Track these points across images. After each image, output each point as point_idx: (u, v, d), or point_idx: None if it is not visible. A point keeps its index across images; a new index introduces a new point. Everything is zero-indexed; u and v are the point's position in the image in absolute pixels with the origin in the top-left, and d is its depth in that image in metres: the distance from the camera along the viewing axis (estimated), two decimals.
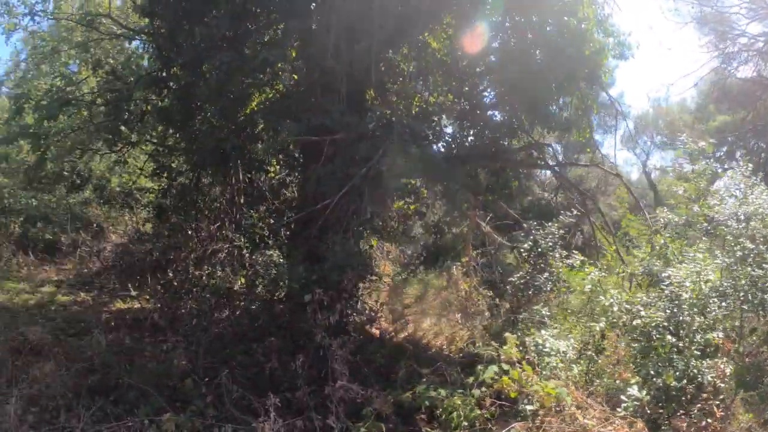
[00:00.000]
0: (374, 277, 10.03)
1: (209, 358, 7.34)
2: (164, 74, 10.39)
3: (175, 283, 10.53)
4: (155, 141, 13.43)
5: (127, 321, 10.18)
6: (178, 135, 11.95)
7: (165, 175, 12.79)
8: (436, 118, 10.01)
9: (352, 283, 7.80)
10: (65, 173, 17.35)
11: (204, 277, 10.13)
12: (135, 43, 14.11)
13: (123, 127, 12.39)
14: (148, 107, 11.91)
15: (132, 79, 11.85)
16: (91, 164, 17.99)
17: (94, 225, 17.02)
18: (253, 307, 9.42)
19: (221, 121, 9.43)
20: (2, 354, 7.47)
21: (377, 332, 10.30)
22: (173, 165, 12.88)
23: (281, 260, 10.06)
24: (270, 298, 9.35)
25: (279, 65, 8.87)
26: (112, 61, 13.01)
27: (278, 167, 11.26)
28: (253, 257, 10.45)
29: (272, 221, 10.70)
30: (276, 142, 8.89)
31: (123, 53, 13.91)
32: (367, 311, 8.68)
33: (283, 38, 8.76)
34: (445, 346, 10.35)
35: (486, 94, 10.82)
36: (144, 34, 12.19)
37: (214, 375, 6.63)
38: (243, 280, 10.03)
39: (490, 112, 10.73)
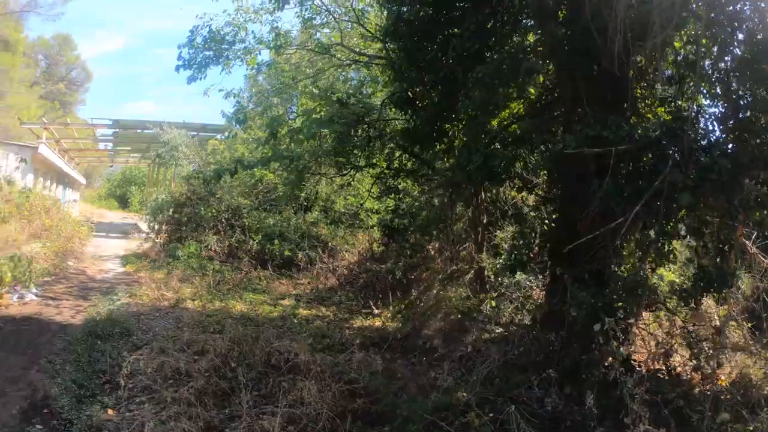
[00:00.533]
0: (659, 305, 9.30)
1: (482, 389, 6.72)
2: (407, 95, 10.12)
3: (421, 303, 10.38)
4: (382, 164, 13.71)
5: (373, 339, 10.09)
6: (421, 156, 11.89)
7: (392, 196, 13.86)
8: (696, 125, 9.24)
9: (638, 312, 7.04)
10: (297, 195, 18.67)
11: (452, 299, 9.89)
12: (352, 74, 16.19)
13: (356, 151, 12.93)
14: (377, 131, 12.11)
15: (361, 106, 12.17)
16: (318, 187, 19.69)
17: (328, 244, 18.43)
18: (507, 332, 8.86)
19: (478, 138, 8.92)
20: (261, 368, 7.66)
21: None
22: (400, 186, 13.75)
23: (529, 282, 9.62)
24: (532, 324, 8.72)
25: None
26: (339, 92, 13.43)
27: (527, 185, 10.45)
28: (498, 279, 10.14)
29: (524, 241, 10.14)
30: (549, 156, 8.33)
31: (347, 81, 15.35)
32: (657, 344, 7.73)
33: (537, 44, 8.33)
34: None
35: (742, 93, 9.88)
36: (378, 59, 12.90)
37: (493, 408, 6.05)
38: (493, 303, 9.60)
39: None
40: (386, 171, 13.58)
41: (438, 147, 10.24)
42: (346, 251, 17.85)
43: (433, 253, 13.11)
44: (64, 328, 9.71)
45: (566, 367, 6.63)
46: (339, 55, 14.88)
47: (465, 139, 9.38)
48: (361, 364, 7.90)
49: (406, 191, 14.32)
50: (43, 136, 29.79)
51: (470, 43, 7.91)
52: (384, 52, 11.78)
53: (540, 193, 10.17)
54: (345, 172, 14.57)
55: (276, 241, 18.46)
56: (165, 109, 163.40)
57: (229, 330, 9.41)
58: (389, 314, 11.76)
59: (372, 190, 16.16)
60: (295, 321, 11.51)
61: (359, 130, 12.19)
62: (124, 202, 68.60)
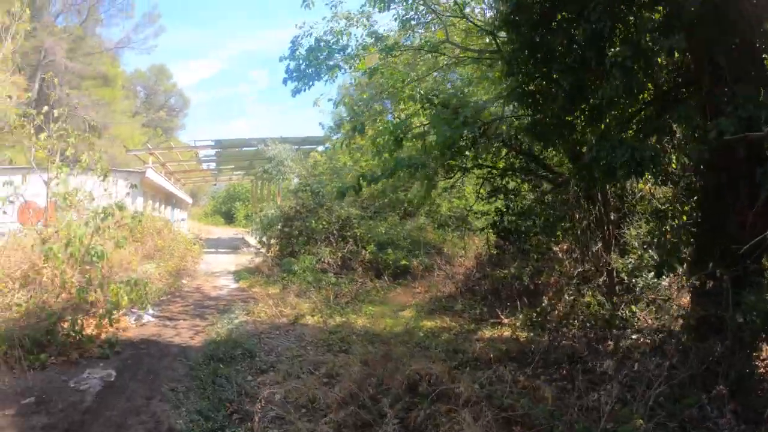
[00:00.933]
0: None
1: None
2: (526, 89, 9.07)
3: (554, 311, 9.33)
4: (490, 163, 13.20)
5: (509, 353, 8.82)
6: (536, 153, 11.64)
7: (500, 196, 13.12)
8: None
9: None
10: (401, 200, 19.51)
11: (591, 305, 8.68)
12: (452, 75, 15.30)
13: (466, 152, 12.15)
14: (484, 130, 11.35)
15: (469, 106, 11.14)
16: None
17: (442, 250, 17.75)
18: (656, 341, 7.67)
19: (614, 129, 8.11)
20: (402, 394, 6.62)
21: None
22: (509, 186, 13.09)
23: (664, 283, 8.83)
24: (684, 332, 7.53)
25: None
26: (443, 93, 12.70)
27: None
28: (632, 281, 9.18)
29: (671, 239, 8.92)
30: (699, 143, 7.39)
31: (445, 82, 14.56)
32: None
33: (671, 23, 7.16)
34: None
35: None
36: (489, 53, 12.10)
37: None
38: (633, 308, 8.50)
39: None
40: (494, 171, 12.95)
41: (562, 142, 9.26)
42: (460, 256, 16.84)
43: (560, 255, 11.85)
44: (184, 350, 9.12)
45: (732, 380, 5.75)
46: (445, 54, 13.80)
47: (597, 131, 8.32)
48: (507, 384, 6.73)
49: (515, 191, 13.34)
50: (150, 161, 30.37)
51: (600, 24, 6.89)
52: (494, 45, 11.28)
53: (676, 185, 9.25)
54: (452, 174, 13.79)
55: (389, 250, 17.66)
56: (261, 125, 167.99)
57: (357, 350, 8.66)
58: (518, 323, 10.59)
59: (480, 192, 15.18)
60: (421, 334, 10.47)
61: (466, 131, 11.27)
62: (229, 218, 70.93)
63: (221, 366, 8.16)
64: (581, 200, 10.56)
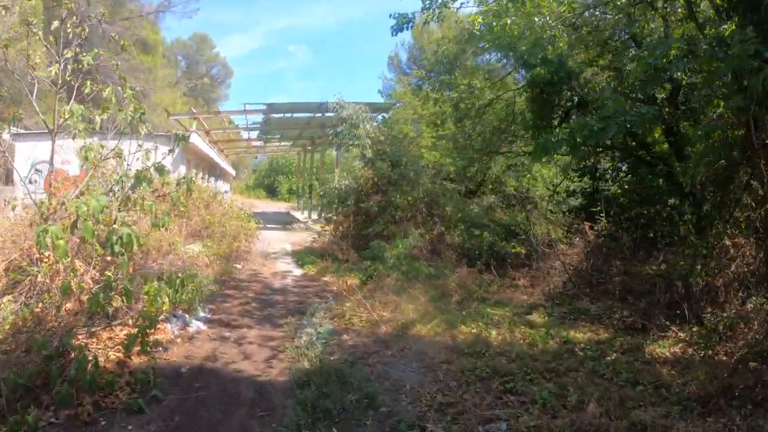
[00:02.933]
0: None
1: None
2: None
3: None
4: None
5: (716, 384, 5.82)
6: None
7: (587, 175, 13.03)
8: None
9: None
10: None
11: None
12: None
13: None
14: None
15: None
16: (491, 166, 17.81)
17: (547, 236, 13.67)
18: None
19: None
20: None
21: None
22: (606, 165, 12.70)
23: None
24: None
25: None
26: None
27: None
28: None
29: None
30: None
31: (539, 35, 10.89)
32: None
33: None
34: None
35: None
36: None
37: None
38: None
39: None
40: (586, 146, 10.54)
41: None
42: (565, 243, 13.20)
43: (731, 249, 8.54)
44: (262, 392, 5.70)
45: None
46: None
47: None
48: None
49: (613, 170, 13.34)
50: (193, 126, 27.13)
51: None
52: None
53: None
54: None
55: (484, 233, 14.11)
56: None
57: (529, 390, 5.81)
58: (686, 335, 7.76)
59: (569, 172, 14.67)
60: (580, 353, 7.25)
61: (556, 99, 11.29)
62: (272, 192, 68.41)
63: (333, 430, 4.79)
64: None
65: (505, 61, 15.55)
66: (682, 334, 7.86)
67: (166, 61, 54.94)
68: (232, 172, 54.29)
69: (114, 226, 5.28)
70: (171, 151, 7.16)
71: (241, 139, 43.40)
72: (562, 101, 11.91)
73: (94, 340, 5.98)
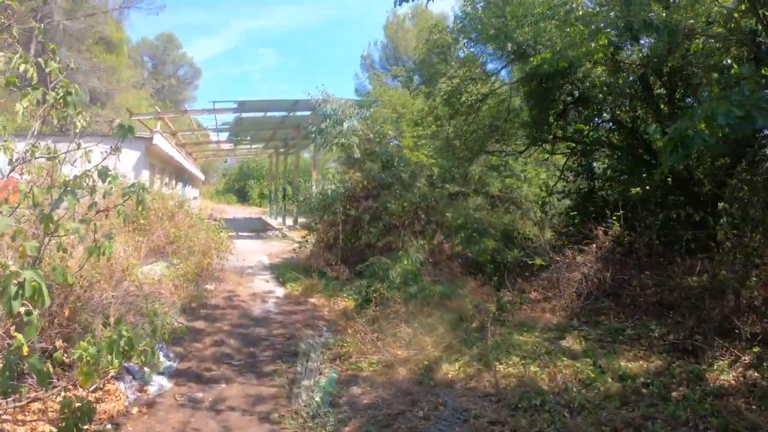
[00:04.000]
0: None
1: None
2: None
3: None
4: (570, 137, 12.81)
5: None
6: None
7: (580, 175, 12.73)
8: None
9: None
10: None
11: None
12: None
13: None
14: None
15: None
16: (472, 167, 16.49)
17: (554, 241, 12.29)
18: None
19: None
20: None
21: None
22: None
23: None
24: None
25: None
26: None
27: None
28: None
29: None
30: None
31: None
32: None
33: None
34: None
35: None
36: None
37: None
38: None
39: None
40: (582, 144, 12.09)
41: None
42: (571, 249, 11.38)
43: None
44: None
45: None
46: None
47: None
48: None
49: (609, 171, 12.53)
50: (158, 127, 25.02)
51: None
52: None
53: None
54: (537, 146, 13.70)
55: (487, 240, 12.32)
56: None
57: None
58: (744, 355, 6.51)
59: (563, 170, 13.92)
60: (644, 390, 5.83)
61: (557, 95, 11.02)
62: (243, 196, 66.17)
63: None
64: None
65: (500, 53, 13.83)
66: (742, 356, 6.56)
67: (132, 61, 52.39)
68: (201, 176, 51.92)
69: (11, 266, 3.29)
70: (115, 149, 5.10)
71: (210, 142, 41.19)
72: (562, 95, 11.34)
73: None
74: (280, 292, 12.14)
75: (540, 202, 15.93)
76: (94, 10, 41.50)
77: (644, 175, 11.12)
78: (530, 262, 11.09)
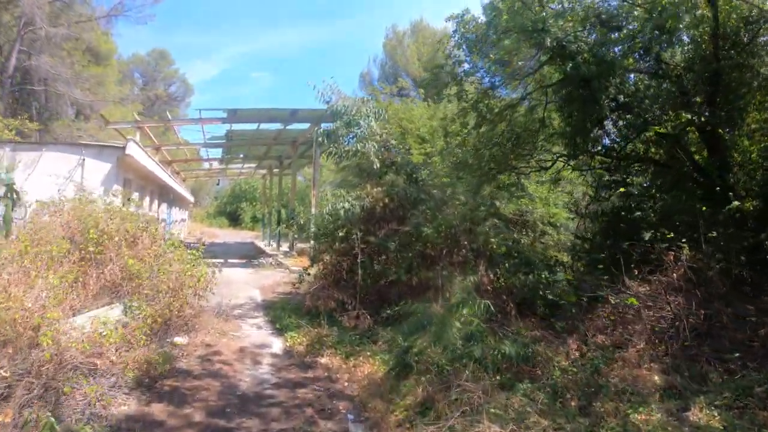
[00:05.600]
0: None
1: None
2: None
3: None
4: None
5: None
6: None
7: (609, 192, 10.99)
8: None
9: None
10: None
11: None
12: None
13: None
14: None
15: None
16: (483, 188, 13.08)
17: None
18: None
19: None
20: None
21: None
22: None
23: None
24: None
25: None
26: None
27: None
28: None
29: None
30: None
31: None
32: None
33: None
34: None
35: None
36: None
37: None
38: None
39: None
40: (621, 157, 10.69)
41: None
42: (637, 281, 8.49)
43: None
44: None
45: None
46: None
47: None
48: None
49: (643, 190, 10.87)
50: (137, 138, 21.98)
51: None
52: None
53: None
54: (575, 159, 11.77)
55: (543, 273, 9.74)
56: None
57: None
58: None
59: (599, 187, 12.19)
60: None
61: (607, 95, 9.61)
62: (235, 220, 63.35)
63: None
64: None
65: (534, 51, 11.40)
66: None
67: (122, 75, 49.61)
68: (191, 198, 48.75)
69: None
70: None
71: (199, 159, 38.16)
72: (605, 101, 9.92)
73: None
74: (277, 345, 8.96)
75: (558, 225, 14.19)
76: (80, 17, 38.63)
77: (698, 192, 9.77)
78: (582, 298, 8.73)
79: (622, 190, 10.82)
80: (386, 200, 10.52)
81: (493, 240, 10.38)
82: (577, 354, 7.20)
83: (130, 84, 55.86)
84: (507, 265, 10.10)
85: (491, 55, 12.30)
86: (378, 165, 11.06)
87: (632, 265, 8.29)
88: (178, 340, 8.51)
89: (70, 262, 8.39)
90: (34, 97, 37.87)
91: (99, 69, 40.69)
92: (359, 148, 11.08)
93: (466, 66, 12.83)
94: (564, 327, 8.41)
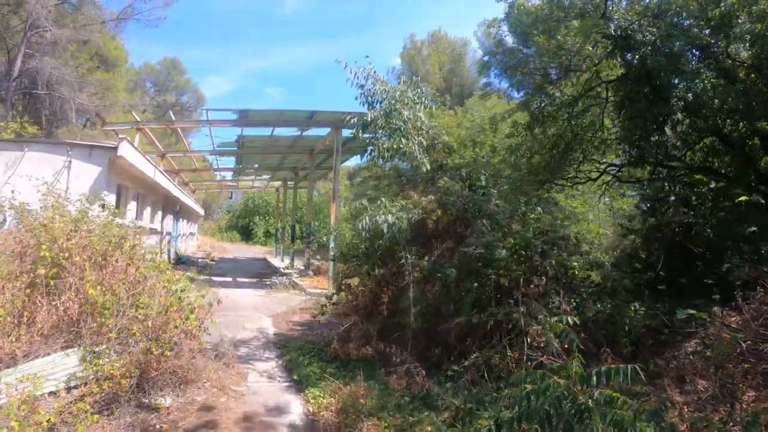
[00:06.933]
0: None
1: None
2: None
3: None
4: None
5: None
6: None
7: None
8: None
9: None
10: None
11: None
12: None
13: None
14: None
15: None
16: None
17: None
18: None
19: None
20: None
21: None
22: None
23: None
24: None
25: None
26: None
27: None
28: None
29: None
30: None
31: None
32: None
33: None
34: None
35: None
36: None
37: None
38: None
39: None
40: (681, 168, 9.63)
41: None
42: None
43: None
44: None
45: None
46: None
47: None
48: None
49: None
50: (136, 140, 19.65)
51: None
52: None
53: None
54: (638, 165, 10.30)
55: (634, 305, 7.85)
56: None
57: None
58: None
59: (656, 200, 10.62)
60: None
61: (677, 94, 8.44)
62: (247, 234, 61.10)
63: None
64: None
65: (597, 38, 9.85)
66: None
67: (133, 84, 47.82)
68: (201, 211, 46.51)
69: None
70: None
71: (209, 169, 35.94)
72: (674, 99, 8.70)
73: None
74: (296, 410, 6.46)
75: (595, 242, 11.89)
76: (88, 20, 36.67)
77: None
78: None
79: (684, 207, 9.74)
80: (439, 212, 8.07)
81: (575, 263, 7.97)
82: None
83: (140, 92, 54.05)
84: (585, 293, 7.81)
85: (552, 42, 10.13)
86: (428, 167, 8.64)
87: (713, 290, 7.13)
88: (160, 401, 6.07)
89: (14, 288, 6.04)
90: (41, 103, 36.05)
91: (107, 75, 38.81)
92: (402, 145, 8.63)
93: (521, 54, 11.02)
94: (655, 371, 6.73)
